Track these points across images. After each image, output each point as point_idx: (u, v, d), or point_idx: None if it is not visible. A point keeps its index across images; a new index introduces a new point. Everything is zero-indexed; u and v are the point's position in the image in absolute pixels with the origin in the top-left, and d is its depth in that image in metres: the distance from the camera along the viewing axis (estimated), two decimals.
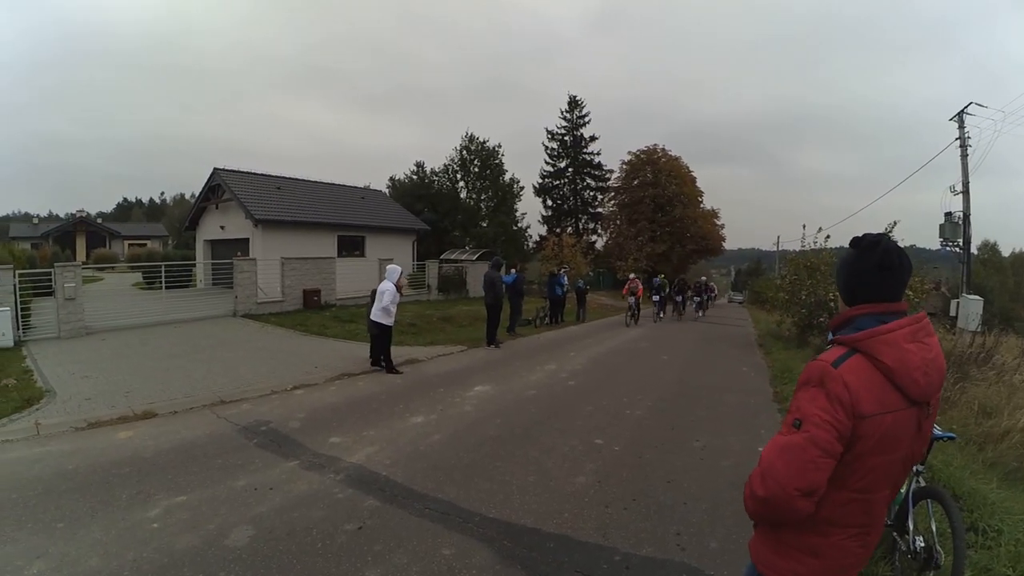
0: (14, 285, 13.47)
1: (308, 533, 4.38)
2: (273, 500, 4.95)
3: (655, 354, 13.79)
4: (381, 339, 10.74)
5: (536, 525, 4.54)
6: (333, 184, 32.88)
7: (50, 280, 14.61)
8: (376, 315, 10.61)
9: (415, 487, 5.25)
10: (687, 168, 49.50)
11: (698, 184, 50.23)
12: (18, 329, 13.19)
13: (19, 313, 13.43)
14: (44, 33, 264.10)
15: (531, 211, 75.70)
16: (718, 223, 51.02)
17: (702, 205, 50.35)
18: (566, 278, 22.38)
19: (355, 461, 5.90)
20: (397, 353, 11.67)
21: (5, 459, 5.95)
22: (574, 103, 51.76)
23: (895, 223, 14.46)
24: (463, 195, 46.08)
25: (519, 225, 47.44)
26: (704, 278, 32.56)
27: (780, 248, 51.26)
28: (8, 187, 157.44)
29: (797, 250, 20.18)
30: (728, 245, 56.28)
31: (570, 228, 51.03)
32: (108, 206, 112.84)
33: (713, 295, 37.84)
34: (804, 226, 19.08)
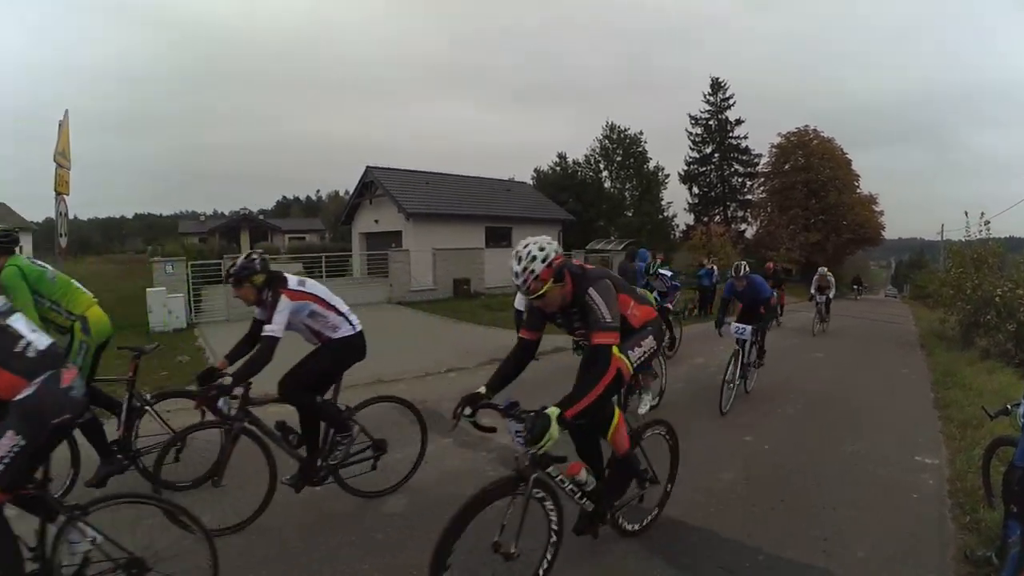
0: (187, 274, 14.95)
1: (452, 505, 4.62)
2: (428, 473, 5.26)
3: (807, 352, 13.19)
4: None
5: (680, 517, 4.53)
6: (479, 177, 33.78)
7: (218, 270, 16.08)
8: (518, 304, 10.84)
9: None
10: (841, 150, 45.98)
11: (854, 167, 46.58)
12: (191, 313, 14.63)
13: (191, 299, 14.88)
14: (215, 55, 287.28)
15: (677, 199, 73.84)
16: (876, 210, 46.79)
17: (858, 190, 46.44)
18: (715, 269, 21.76)
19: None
20: (544, 341, 11.88)
21: (181, 426, 6.59)
22: (717, 85, 49.84)
23: None
24: (607, 185, 45.90)
25: (665, 214, 46.62)
26: (828, 273, 18.09)
27: (944, 238, 46.98)
28: (177, 189, 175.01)
29: (963, 240, 18.56)
30: (887, 234, 51.12)
31: (718, 216, 49.45)
32: (268, 204, 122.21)
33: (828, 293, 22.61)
34: (967, 213, 17.40)
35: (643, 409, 7.17)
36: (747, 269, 8.52)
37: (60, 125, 8.19)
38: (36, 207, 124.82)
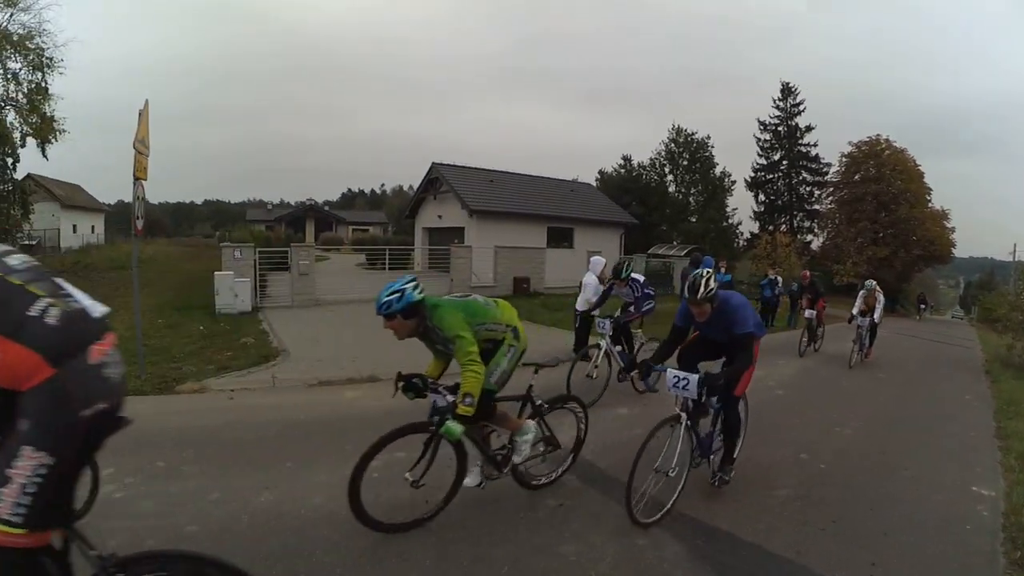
0: (254, 260, 15.56)
1: (512, 503, 4.79)
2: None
3: (866, 373, 12.81)
4: (581, 329, 11.04)
5: (731, 530, 4.59)
6: (543, 177, 34.01)
7: (284, 257, 16.80)
8: (580, 305, 10.95)
9: (615, 475, 5.46)
10: (913, 162, 43.50)
11: (926, 180, 43.84)
12: (256, 297, 15.21)
13: (258, 283, 15.49)
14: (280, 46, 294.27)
15: (742, 206, 72.26)
16: (948, 226, 43.87)
17: (930, 204, 43.70)
18: (779, 280, 21.44)
19: (560, 441, 6.25)
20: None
21: (244, 404, 6.93)
22: (787, 90, 48.86)
23: None
24: (671, 189, 45.47)
25: (729, 221, 45.88)
26: (878, 289, 13.89)
27: (1016, 258, 44.39)
28: (245, 178, 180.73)
29: None
30: (958, 252, 48.37)
31: (784, 225, 48.44)
32: (333, 195, 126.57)
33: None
34: None
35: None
36: (714, 284, 4.76)
37: (140, 114, 8.61)
38: (108, 191, 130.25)
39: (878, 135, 44.08)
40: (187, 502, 4.50)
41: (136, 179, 8.60)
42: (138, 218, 8.94)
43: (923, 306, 36.98)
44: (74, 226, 45.15)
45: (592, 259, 11.24)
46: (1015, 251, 45.20)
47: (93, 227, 50.33)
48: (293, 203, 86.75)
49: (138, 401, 7.09)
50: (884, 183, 41.80)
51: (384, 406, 7.17)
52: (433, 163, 29.98)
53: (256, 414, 6.23)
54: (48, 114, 24.76)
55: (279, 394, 7.70)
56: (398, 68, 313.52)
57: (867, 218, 42.14)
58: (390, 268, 20.46)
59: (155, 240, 49.20)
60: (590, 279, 10.77)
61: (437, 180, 29.90)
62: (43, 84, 24.42)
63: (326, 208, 78.99)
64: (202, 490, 4.70)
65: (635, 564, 4.02)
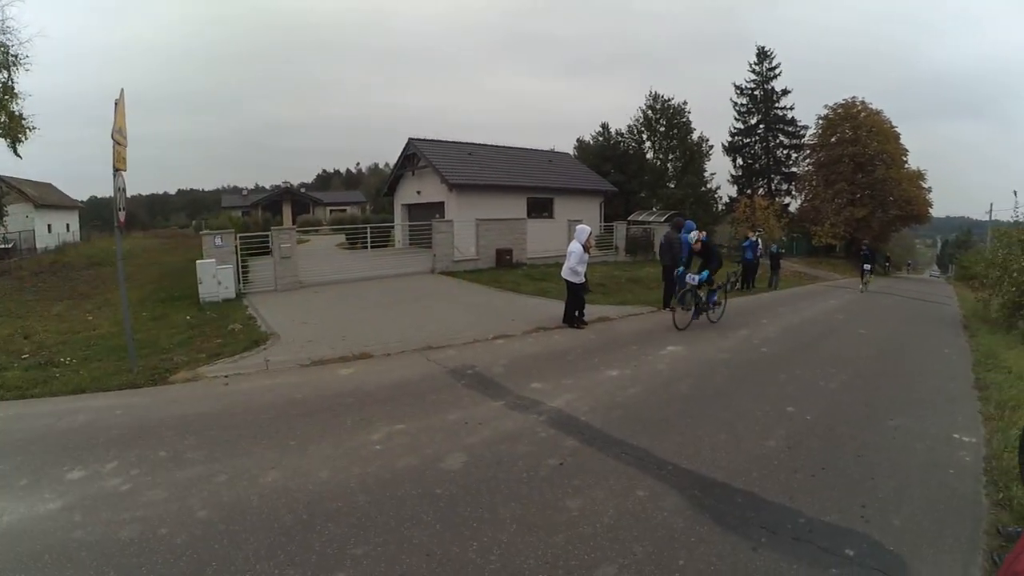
0: (235, 246, 15.46)
1: (515, 464, 4.89)
2: (483, 433, 5.55)
3: (849, 328, 13.12)
4: (570, 296, 11.18)
5: (725, 480, 4.73)
6: (521, 148, 33.86)
7: (264, 241, 16.75)
8: (565, 274, 11.09)
9: (612, 433, 5.62)
10: (889, 123, 43.80)
11: (902, 142, 44.03)
12: (239, 283, 15.13)
13: (240, 270, 15.43)
14: (255, 24, 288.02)
15: (721, 170, 72.39)
16: (924, 186, 44.13)
17: (907, 165, 43.93)
18: (759, 242, 21.64)
19: (555, 405, 6.37)
20: (587, 311, 12.07)
21: (240, 389, 6.92)
22: (763, 55, 48.60)
23: None
24: (649, 156, 45.37)
25: (708, 186, 45.91)
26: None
27: (993, 218, 44.70)
28: (218, 165, 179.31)
29: (1011, 220, 18.24)
30: (935, 212, 48.32)
31: (762, 189, 48.53)
32: (309, 177, 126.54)
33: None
34: (1016, 192, 17.05)
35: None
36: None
37: (116, 104, 8.46)
38: (81, 186, 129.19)
39: (853, 97, 44.28)
40: (196, 487, 4.50)
41: (116, 170, 8.47)
42: (120, 210, 8.76)
43: (867, 267, 23.98)
44: (49, 225, 44.30)
45: (577, 228, 11.34)
46: (991, 211, 45.77)
47: (68, 225, 49.43)
48: (268, 187, 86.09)
49: (132, 395, 7.05)
50: (860, 145, 41.99)
51: (379, 380, 7.31)
52: (410, 139, 29.63)
53: (253, 397, 6.23)
54: (16, 112, 24.29)
55: (274, 376, 7.72)
56: (373, 41, 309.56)
57: (844, 179, 42.40)
58: (372, 247, 20.35)
59: (131, 234, 48.55)
60: (575, 247, 10.90)
61: (415, 156, 29.60)
62: (9, 83, 23.92)
63: (302, 190, 78.37)
64: (209, 474, 4.72)
65: (637, 515, 4.14)
